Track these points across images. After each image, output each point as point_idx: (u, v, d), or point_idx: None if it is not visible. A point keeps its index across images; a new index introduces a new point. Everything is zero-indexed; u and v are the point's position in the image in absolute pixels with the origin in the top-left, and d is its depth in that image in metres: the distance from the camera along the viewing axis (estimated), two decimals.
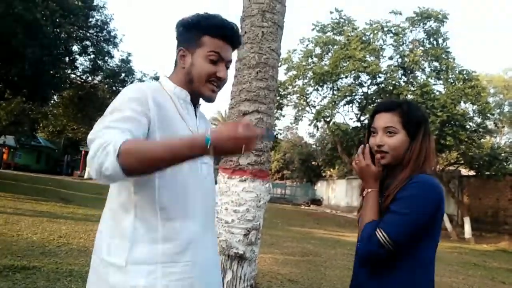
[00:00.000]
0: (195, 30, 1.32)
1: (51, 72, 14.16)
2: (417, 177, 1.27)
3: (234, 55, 3.47)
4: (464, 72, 15.54)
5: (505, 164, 16.32)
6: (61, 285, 3.82)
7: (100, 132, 1.07)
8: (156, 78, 23.38)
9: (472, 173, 17.75)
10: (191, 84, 1.33)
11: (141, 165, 1.01)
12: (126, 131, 1.08)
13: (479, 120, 16.17)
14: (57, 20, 13.82)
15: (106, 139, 1.01)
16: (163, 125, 1.22)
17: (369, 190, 1.35)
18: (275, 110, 18.07)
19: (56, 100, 23.45)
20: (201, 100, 1.42)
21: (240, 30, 1.40)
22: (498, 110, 23.53)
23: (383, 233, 1.21)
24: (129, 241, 1.19)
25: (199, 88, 1.33)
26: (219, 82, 1.33)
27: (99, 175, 1.01)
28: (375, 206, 1.32)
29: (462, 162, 17.32)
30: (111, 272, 1.20)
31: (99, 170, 1.00)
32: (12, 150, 34.70)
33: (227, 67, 1.36)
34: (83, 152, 35.55)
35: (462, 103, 15.60)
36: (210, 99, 1.35)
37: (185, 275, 1.21)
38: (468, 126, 15.32)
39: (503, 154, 16.40)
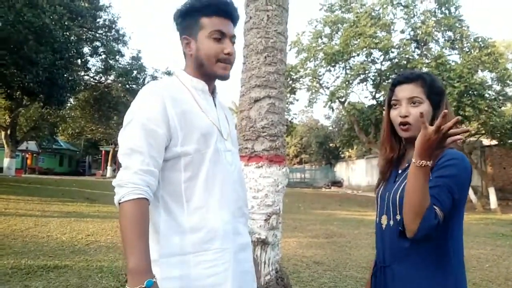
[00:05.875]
0: (191, 15, 1.33)
1: (65, 75, 14.38)
2: (448, 152, 1.23)
3: (241, 39, 3.45)
4: (480, 39, 15.05)
5: None
6: (93, 281, 3.94)
7: (125, 157, 1.19)
8: (168, 73, 23.56)
9: (494, 142, 17.33)
10: (203, 68, 1.33)
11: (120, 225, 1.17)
12: (145, 162, 1.18)
13: (498, 88, 15.73)
14: (66, 23, 13.98)
15: (123, 179, 1.18)
16: (185, 122, 1.24)
17: (428, 163, 1.15)
18: (288, 95, 18.04)
19: (73, 103, 23.89)
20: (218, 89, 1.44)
21: (235, 5, 1.36)
22: None
23: (439, 210, 1.17)
24: (160, 235, 1.23)
25: (211, 70, 1.32)
26: (229, 58, 1.32)
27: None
28: (427, 187, 1.16)
29: (483, 132, 16.90)
30: None
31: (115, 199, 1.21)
32: (35, 155, 35.64)
33: (233, 42, 1.35)
34: (103, 152, 36.20)
35: (479, 71, 15.17)
36: (224, 77, 1.35)
37: (218, 261, 1.23)
38: (487, 95, 14.88)
39: None
